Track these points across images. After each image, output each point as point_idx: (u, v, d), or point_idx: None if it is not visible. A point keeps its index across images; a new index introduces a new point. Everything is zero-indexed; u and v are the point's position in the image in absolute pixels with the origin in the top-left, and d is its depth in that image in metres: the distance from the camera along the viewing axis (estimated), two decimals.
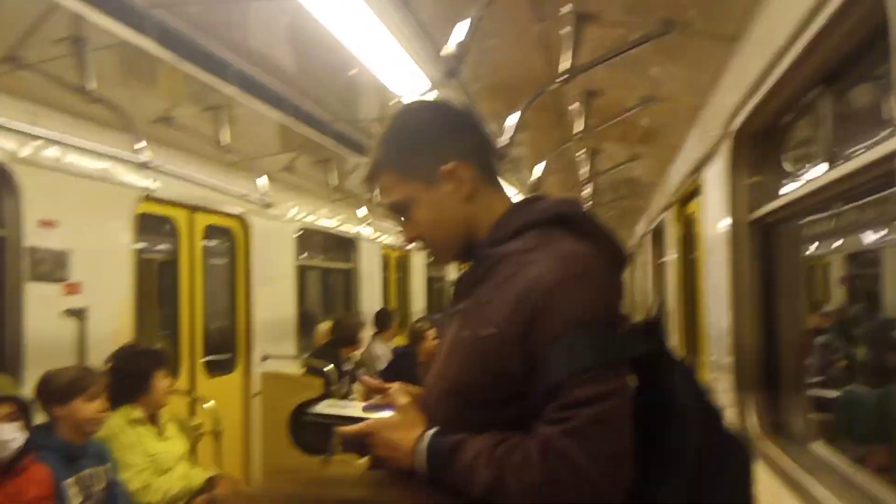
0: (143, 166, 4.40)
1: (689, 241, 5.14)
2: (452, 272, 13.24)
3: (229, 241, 5.73)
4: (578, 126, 4.06)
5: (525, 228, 1.32)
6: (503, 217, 1.38)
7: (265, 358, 5.89)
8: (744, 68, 2.53)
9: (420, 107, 1.48)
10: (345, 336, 6.10)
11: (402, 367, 6.89)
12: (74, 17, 2.94)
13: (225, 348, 5.68)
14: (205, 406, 4.48)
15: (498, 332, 1.20)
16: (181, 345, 5.07)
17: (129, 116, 4.01)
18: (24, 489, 2.70)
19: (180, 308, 5.06)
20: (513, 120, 3.67)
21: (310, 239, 7.21)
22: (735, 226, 2.74)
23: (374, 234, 8.68)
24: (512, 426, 1.19)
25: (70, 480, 2.93)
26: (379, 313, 8.31)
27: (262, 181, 5.75)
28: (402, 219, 1.43)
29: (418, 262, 10.84)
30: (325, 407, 1.44)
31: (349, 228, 8.03)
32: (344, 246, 8.16)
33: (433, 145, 1.38)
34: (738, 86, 2.57)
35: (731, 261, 2.74)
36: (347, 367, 6.03)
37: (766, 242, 2.68)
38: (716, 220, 3.03)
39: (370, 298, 8.57)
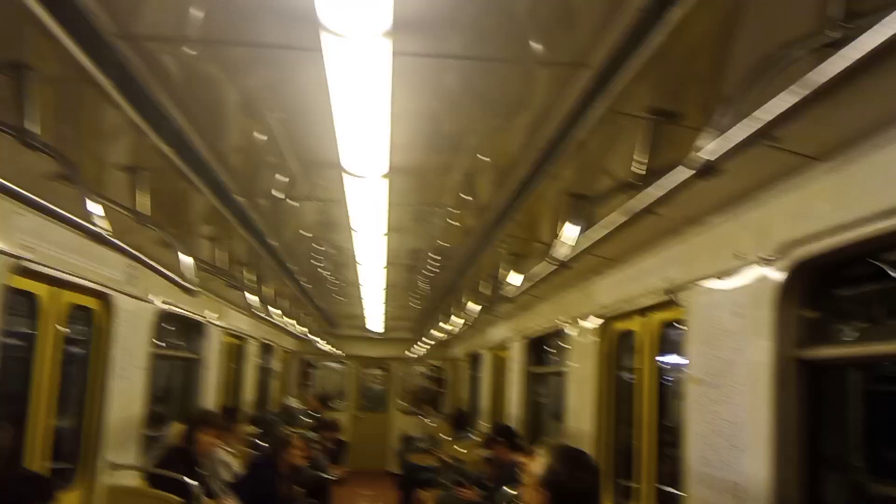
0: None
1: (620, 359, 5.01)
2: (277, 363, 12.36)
3: (89, 324, 4.75)
4: None
5: None
6: None
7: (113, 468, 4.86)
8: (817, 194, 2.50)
9: None
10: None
11: (261, 478, 6.00)
12: None
13: (65, 455, 4.59)
14: None
15: None
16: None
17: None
18: None
19: (32, 406, 4.03)
20: None
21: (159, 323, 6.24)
22: (781, 362, 2.67)
23: (219, 318, 7.77)
24: None
25: None
26: (225, 410, 7.40)
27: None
28: None
29: (252, 349, 9.95)
30: None
31: (201, 311, 7.11)
32: (190, 331, 7.21)
33: None
34: (805, 212, 2.54)
35: (775, 401, 2.65)
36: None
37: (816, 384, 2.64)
38: (738, 348, 2.96)
39: (211, 391, 7.63)
